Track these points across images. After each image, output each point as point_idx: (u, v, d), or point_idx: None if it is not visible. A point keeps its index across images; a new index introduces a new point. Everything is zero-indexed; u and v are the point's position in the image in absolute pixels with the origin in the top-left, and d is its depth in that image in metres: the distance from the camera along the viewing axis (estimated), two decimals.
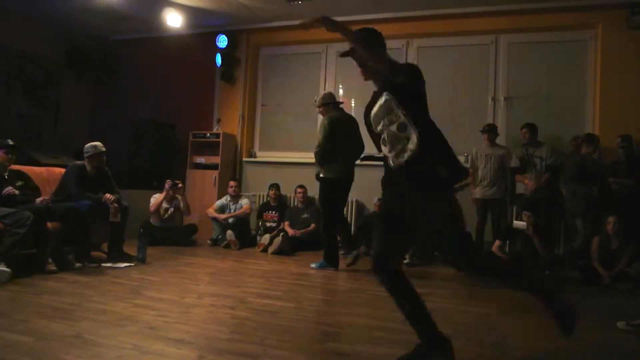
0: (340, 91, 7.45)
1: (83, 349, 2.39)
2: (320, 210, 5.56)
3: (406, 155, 2.29)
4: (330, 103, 5.36)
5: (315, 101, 5.53)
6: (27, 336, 2.54)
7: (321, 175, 5.23)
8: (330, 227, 5.28)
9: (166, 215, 6.58)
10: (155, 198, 6.58)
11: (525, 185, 5.87)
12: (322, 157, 5.17)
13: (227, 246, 6.46)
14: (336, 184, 5.22)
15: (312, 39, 7.47)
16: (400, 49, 7.10)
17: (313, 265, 5.22)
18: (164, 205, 6.55)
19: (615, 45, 6.03)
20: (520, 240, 5.25)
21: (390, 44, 7.32)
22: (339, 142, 5.17)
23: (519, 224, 5.22)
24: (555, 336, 2.77)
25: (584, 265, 5.01)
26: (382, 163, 2.50)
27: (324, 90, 7.47)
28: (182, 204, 6.61)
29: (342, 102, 5.62)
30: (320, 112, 5.45)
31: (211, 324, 2.97)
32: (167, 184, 6.52)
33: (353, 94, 7.41)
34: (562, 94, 6.39)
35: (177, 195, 6.63)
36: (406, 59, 7.05)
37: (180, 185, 6.63)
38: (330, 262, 5.16)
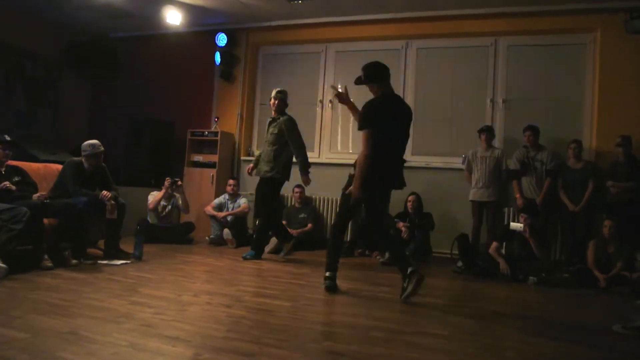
0: (340, 90, 7.44)
1: (78, 346, 2.38)
2: (259, 207, 5.63)
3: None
4: (286, 103, 5.63)
5: (279, 92, 5.59)
6: (23, 332, 2.53)
7: (271, 175, 5.46)
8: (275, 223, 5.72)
9: (164, 213, 6.57)
10: (153, 195, 6.58)
11: (521, 191, 5.89)
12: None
13: (216, 243, 6.51)
14: (282, 183, 5.60)
15: (311, 38, 7.48)
16: (400, 50, 7.10)
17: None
18: (162, 202, 6.55)
19: (613, 50, 6.05)
20: (517, 242, 5.26)
21: (389, 45, 7.34)
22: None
23: (515, 225, 5.23)
24: (551, 338, 2.78)
25: (580, 269, 5.03)
26: None
27: (323, 89, 7.49)
28: (181, 202, 6.61)
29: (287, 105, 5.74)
30: (275, 105, 5.59)
31: (207, 322, 2.97)
32: (167, 181, 6.51)
33: (351, 93, 7.38)
34: (560, 97, 6.40)
35: (175, 193, 6.63)
36: (405, 60, 7.06)
37: (180, 183, 6.62)
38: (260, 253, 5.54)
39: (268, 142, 5.57)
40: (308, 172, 5.46)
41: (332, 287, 3.99)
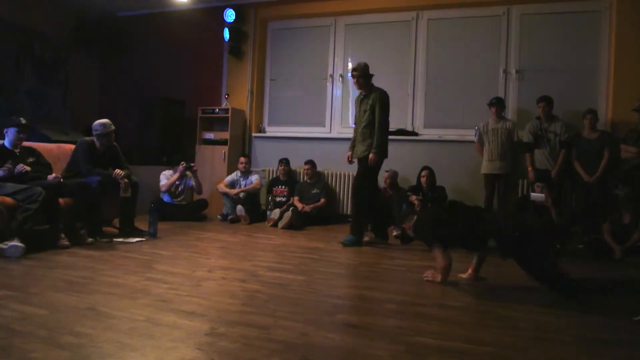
0: (350, 64, 7.37)
1: (96, 321, 2.42)
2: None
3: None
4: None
5: (354, 70, 5.18)
6: (42, 309, 2.58)
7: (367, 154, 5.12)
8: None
9: (177, 192, 6.62)
10: (165, 176, 6.61)
11: (534, 164, 5.83)
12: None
13: (234, 221, 6.50)
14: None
15: (320, 12, 7.38)
16: (410, 22, 6.99)
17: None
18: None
19: (630, 16, 5.88)
20: (535, 213, 5.19)
21: (399, 16, 7.25)
22: None
23: (536, 196, 5.14)
24: (565, 309, 2.77)
25: (595, 240, 4.98)
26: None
27: (333, 64, 7.41)
28: (194, 183, 6.63)
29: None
30: (358, 84, 5.20)
31: (222, 296, 3.00)
32: (181, 165, 6.53)
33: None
34: (575, 66, 6.27)
35: (187, 172, 6.65)
36: (416, 31, 6.95)
37: (195, 168, 6.65)
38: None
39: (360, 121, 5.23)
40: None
41: None
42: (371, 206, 5.25)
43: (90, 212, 4.68)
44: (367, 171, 5.14)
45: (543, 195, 5.06)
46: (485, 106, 6.11)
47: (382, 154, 5.12)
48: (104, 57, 8.59)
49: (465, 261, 3.69)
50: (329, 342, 2.29)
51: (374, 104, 5.07)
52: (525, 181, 6.07)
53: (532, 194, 5.24)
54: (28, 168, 4.43)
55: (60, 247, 4.25)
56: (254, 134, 7.75)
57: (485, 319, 2.74)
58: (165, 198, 6.59)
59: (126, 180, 4.90)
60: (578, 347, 2.35)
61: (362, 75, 5.14)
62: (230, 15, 7.52)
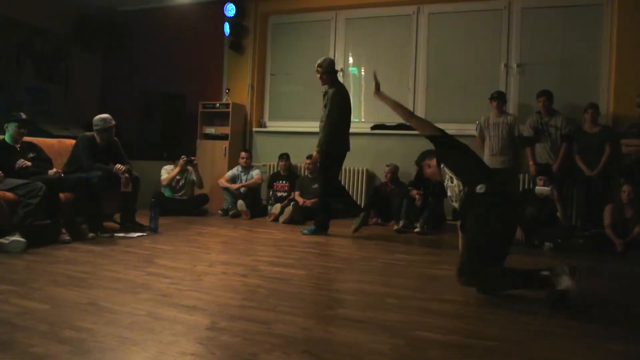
0: (350, 59, 7.35)
1: (97, 316, 2.43)
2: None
3: None
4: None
5: (318, 66, 5.40)
6: (43, 303, 2.58)
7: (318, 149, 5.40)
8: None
9: (178, 187, 6.61)
10: (167, 170, 6.61)
11: (535, 158, 5.81)
12: None
13: (235, 215, 6.50)
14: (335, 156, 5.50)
15: (321, 6, 7.36)
16: (411, 16, 6.96)
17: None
18: (176, 177, 6.59)
19: (631, 9, 5.85)
20: (536, 206, 5.19)
21: (400, 10, 7.26)
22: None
23: (541, 189, 5.13)
24: (563, 306, 2.77)
25: (596, 234, 4.98)
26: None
27: (334, 58, 7.38)
28: (195, 178, 6.63)
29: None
30: (322, 80, 5.44)
31: (223, 291, 3.00)
32: (182, 159, 6.53)
33: (362, 61, 7.32)
34: (576, 60, 6.24)
35: (188, 167, 6.64)
36: (417, 25, 6.93)
37: (196, 162, 6.64)
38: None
39: None
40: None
41: None
42: (335, 191, 5.49)
43: (91, 207, 4.68)
44: (322, 166, 5.42)
45: (548, 188, 5.04)
46: (486, 100, 6.10)
47: (330, 149, 5.29)
48: (105, 52, 8.57)
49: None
50: (330, 337, 2.29)
51: (328, 101, 5.25)
52: (527, 175, 6.06)
53: (537, 188, 5.21)
54: (29, 163, 4.42)
55: (61, 242, 4.25)
56: (254, 129, 7.74)
57: (487, 313, 2.74)
58: (166, 193, 6.59)
59: (127, 175, 4.89)
60: (580, 342, 2.35)
61: (326, 71, 5.34)
62: (230, 9, 7.50)
